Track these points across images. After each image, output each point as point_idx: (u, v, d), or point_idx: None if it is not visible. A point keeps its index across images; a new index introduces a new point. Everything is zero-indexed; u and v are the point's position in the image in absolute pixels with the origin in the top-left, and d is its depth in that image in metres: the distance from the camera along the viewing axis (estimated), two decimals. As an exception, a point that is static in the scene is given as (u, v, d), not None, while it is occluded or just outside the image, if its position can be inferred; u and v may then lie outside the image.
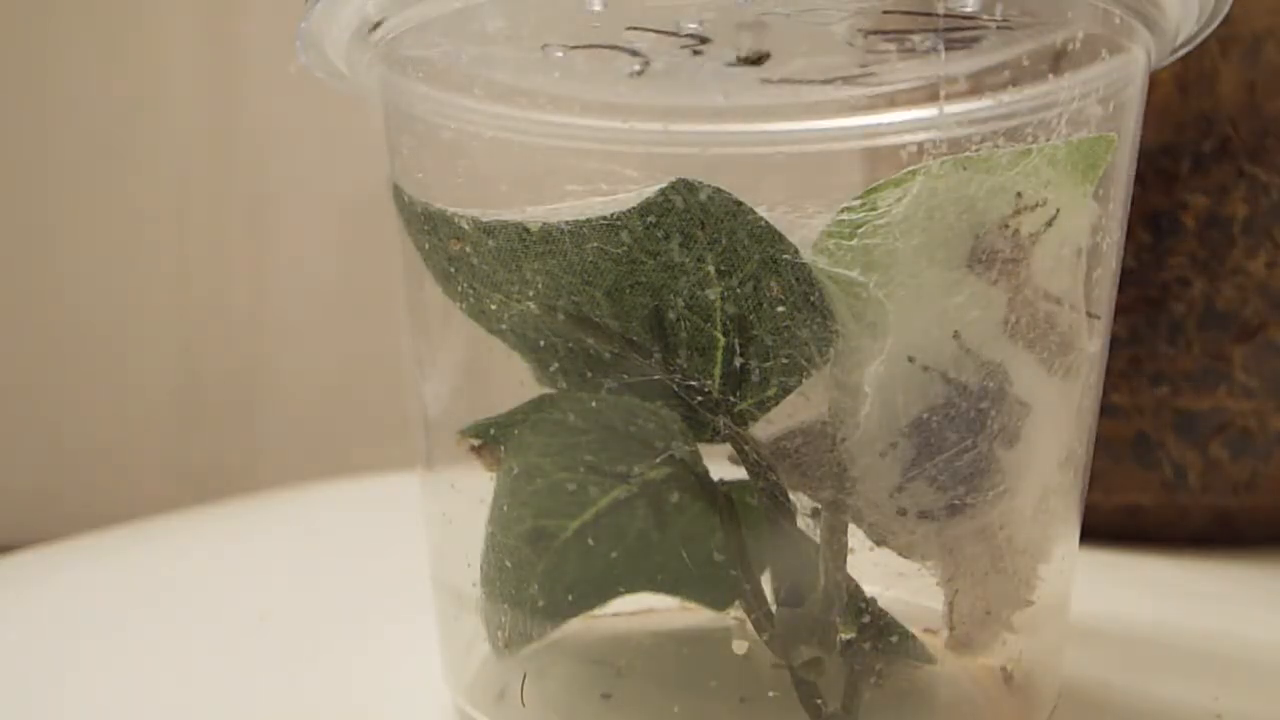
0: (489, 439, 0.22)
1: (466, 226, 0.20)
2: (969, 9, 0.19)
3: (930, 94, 0.25)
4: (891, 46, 0.23)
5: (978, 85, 0.24)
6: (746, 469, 0.21)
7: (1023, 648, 0.21)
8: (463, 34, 0.22)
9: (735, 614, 0.23)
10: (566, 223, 0.19)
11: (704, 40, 0.22)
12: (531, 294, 0.20)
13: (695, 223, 0.18)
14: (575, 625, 0.24)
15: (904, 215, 0.18)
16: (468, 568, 0.22)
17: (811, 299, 0.19)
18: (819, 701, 0.20)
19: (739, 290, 0.19)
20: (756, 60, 0.22)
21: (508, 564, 0.22)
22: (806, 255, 0.19)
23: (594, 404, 0.21)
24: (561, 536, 0.22)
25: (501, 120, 0.25)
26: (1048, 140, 0.19)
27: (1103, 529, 0.41)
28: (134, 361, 0.90)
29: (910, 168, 0.18)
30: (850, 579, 0.20)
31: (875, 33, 0.22)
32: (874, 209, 0.18)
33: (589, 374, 0.21)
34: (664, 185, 0.18)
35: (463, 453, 0.22)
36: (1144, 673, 0.26)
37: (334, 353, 0.90)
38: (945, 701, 0.22)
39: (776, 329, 0.19)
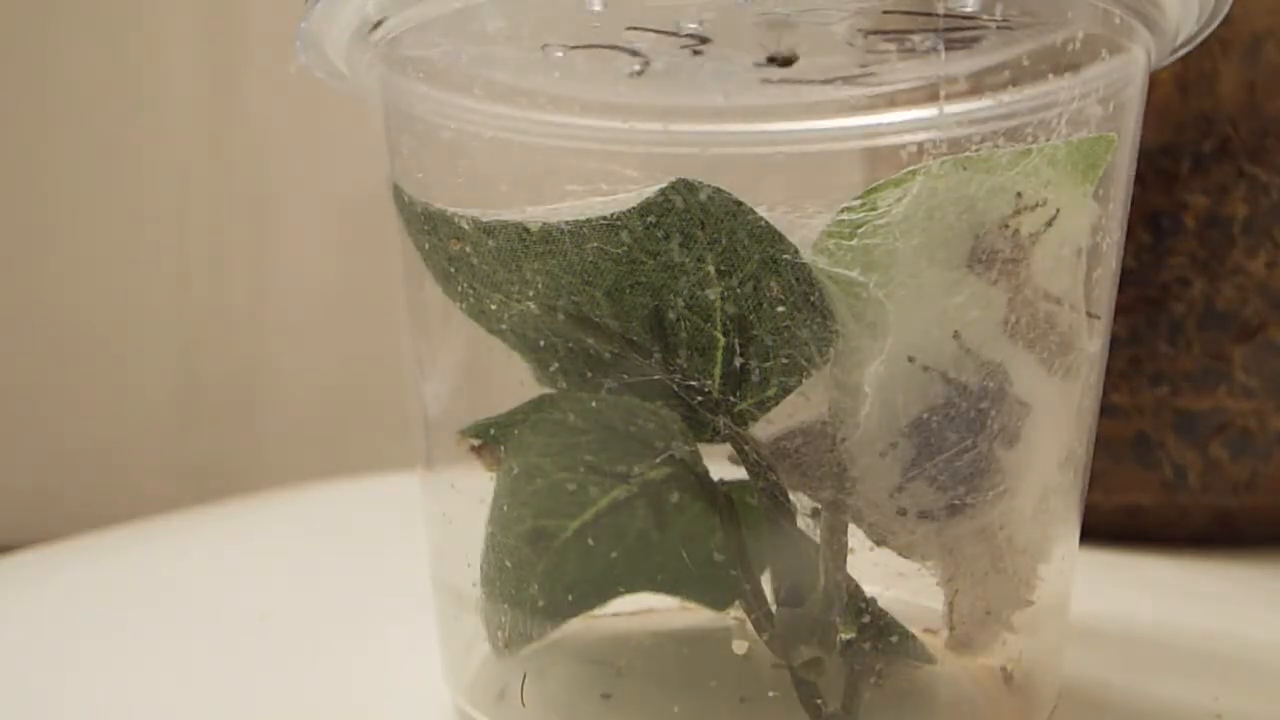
0: (489, 439, 0.22)
1: (466, 226, 0.20)
2: (969, 9, 0.19)
3: (930, 94, 0.25)
4: (891, 46, 0.23)
5: (978, 85, 0.24)
6: (746, 469, 0.21)
7: (1023, 648, 0.21)
8: (463, 34, 0.22)
9: (735, 614, 0.23)
10: (566, 223, 0.19)
11: (704, 40, 0.22)
12: (531, 294, 0.20)
13: (695, 223, 0.18)
14: (575, 625, 0.24)
15: (904, 215, 0.18)
16: (468, 568, 0.22)
17: (811, 299, 0.19)
18: (819, 701, 0.20)
19: (739, 290, 0.19)
20: (786, 61, 0.22)
21: (508, 564, 0.22)
22: (806, 255, 0.19)
23: (594, 404, 0.21)
24: (561, 536, 0.22)
25: (501, 120, 0.25)
26: (1048, 140, 0.19)
27: (1103, 529, 0.41)
28: (134, 361, 0.90)
29: (910, 168, 0.18)
30: (850, 579, 0.20)
31: (875, 33, 0.22)
32: (874, 209, 0.18)
33: (589, 374, 0.21)
34: (664, 185, 0.18)
35: (463, 453, 0.22)
36: (1144, 673, 0.26)
37: (334, 353, 0.90)
38: (945, 701, 0.22)
39: (776, 329, 0.19)
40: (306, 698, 0.25)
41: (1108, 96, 0.21)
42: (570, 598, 0.23)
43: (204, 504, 0.53)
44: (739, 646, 0.22)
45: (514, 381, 0.22)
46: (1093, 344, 0.21)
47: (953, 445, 0.19)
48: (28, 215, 0.90)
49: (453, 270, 0.21)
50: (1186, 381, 0.40)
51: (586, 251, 0.19)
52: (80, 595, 0.35)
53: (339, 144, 0.86)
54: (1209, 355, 0.40)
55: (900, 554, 0.20)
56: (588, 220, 0.19)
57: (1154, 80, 0.29)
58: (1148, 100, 0.23)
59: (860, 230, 0.18)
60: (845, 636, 0.20)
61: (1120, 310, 0.37)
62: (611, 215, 0.19)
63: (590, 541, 0.23)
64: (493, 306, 0.21)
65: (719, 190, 0.18)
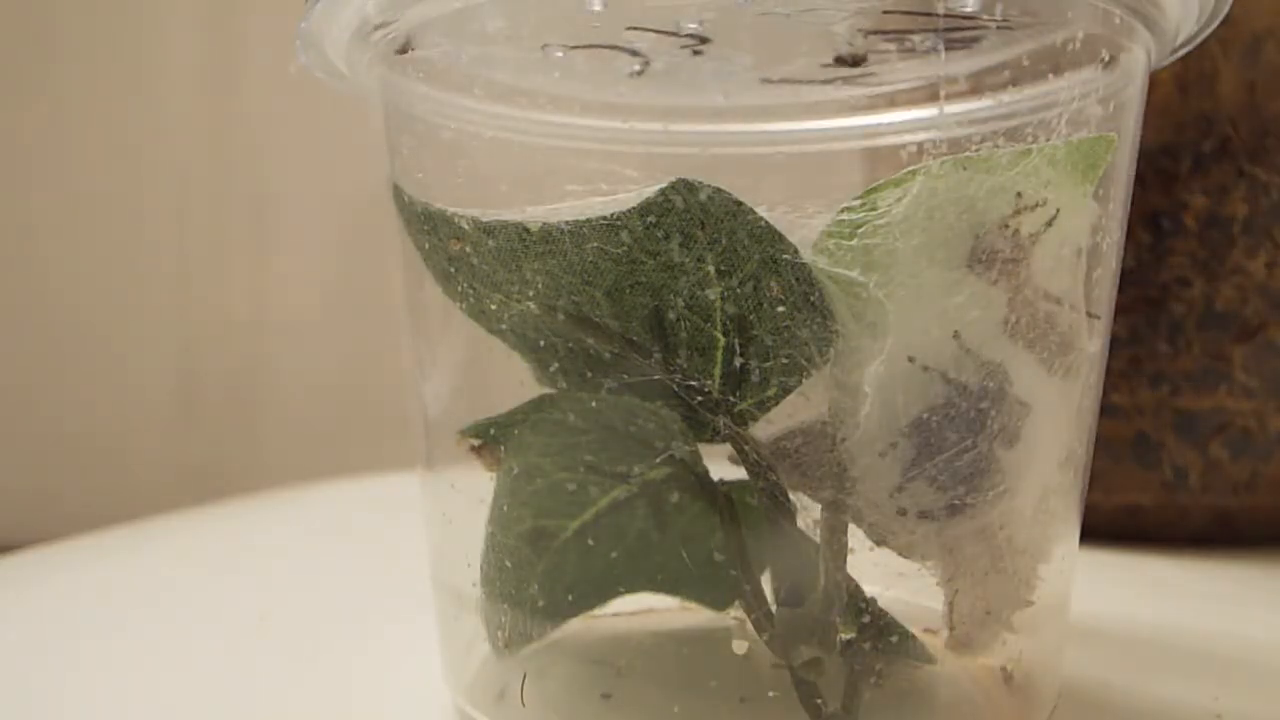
0: (489, 439, 0.22)
1: (466, 226, 0.20)
2: (969, 9, 0.19)
3: (930, 94, 0.25)
4: (891, 46, 0.23)
5: (978, 85, 0.24)
6: (746, 469, 0.21)
7: (1023, 648, 0.21)
8: (463, 34, 0.22)
9: (735, 614, 0.23)
10: (566, 223, 0.19)
11: (704, 40, 0.22)
12: (531, 294, 0.20)
13: (695, 223, 0.18)
14: (575, 625, 0.24)
15: (904, 215, 0.18)
16: (468, 568, 0.22)
17: (811, 299, 0.19)
18: (819, 701, 0.20)
19: (739, 290, 0.19)
20: (856, 61, 0.22)
21: (508, 564, 0.22)
22: (806, 255, 0.19)
23: (594, 404, 0.21)
24: (561, 536, 0.22)
25: (501, 120, 0.25)
26: (1048, 140, 0.19)
27: (1103, 529, 0.41)
28: (134, 361, 0.90)
29: (910, 168, 0.18)
30: (850, 579, 0.20)
31: (875, 33, 0.22)
32: (874, 209, 0.18)
33: (589, 374, 0.21)
34: (664, 185, 0.18)
35: (463, 453, 0.22)
36: (1144, 673, 0.26)
37: (334, 353, 0.90)
38: (945, 701, 0.22)
39: (776, 329, 0.19)
40: (306, 698, 0.25)
41: (1108, 96, 0.21)
42: (570, 598, 0.23)
43: (204, 504, 0.53)
44: (739, 646, 0.22)
45: (514, 381, 0.22)
46: (1093, 344, 0.21)
47: (953, 445, 0.19)
48: (28, 215, 0.90)
49: (453, 270, 0.21)
50: (1186, 381, 0.40)
51: (586, 251, 0.19)
52: (80, 595, 0.35)
53: (339, 144, 0.86)
54: (1209, 355, 0.40)
55: (900, 554, 0.20)
56: (588, 220, 0.19)
57: (1154, 80, 0.29)
58: (1148, 100, 0.23)
59: (860, 230, 0.18)
60: (845, 636, 0.20)
61: (1120, 310, 0.37)
62: (611, 215, 0.19)
63: (590, 541, 0.23)
64: (493, 306, 0.21)
65: (719, 190, 0.18)
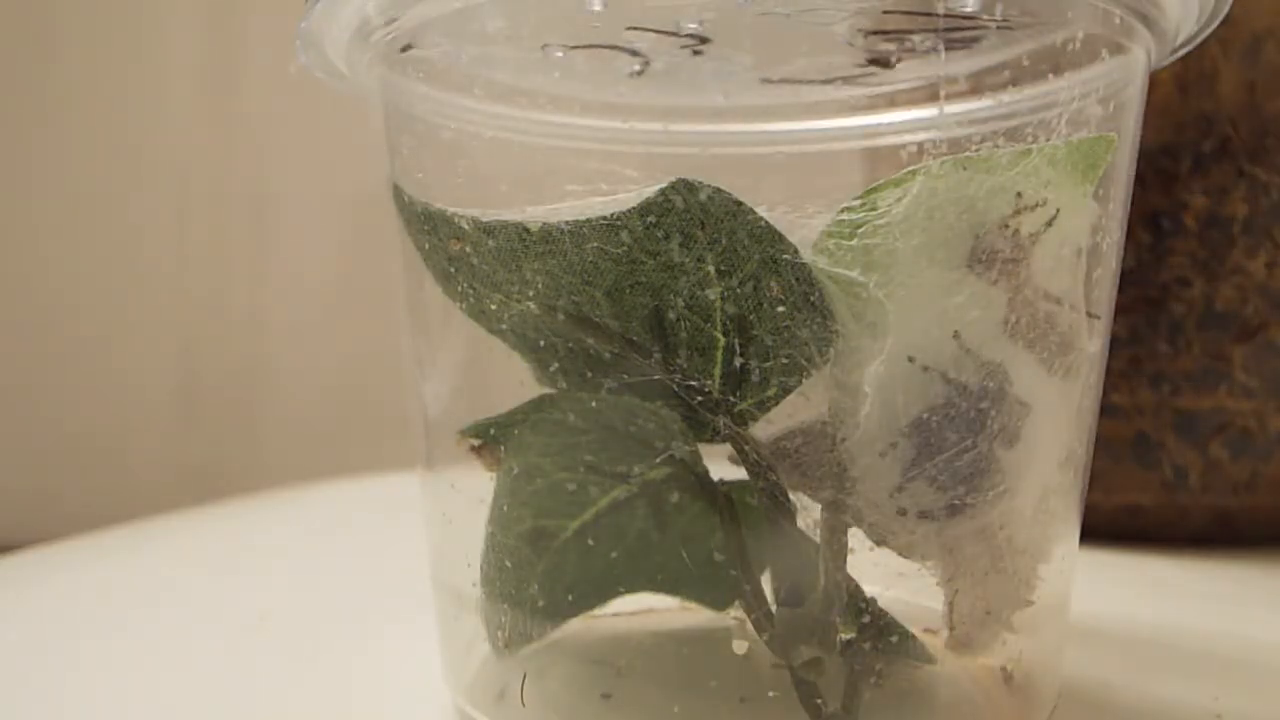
0: (489, 439, 0.22)
1: (466, 226, 0.20)
2: (969, 9, 0.19)
3: (930, 94, 0.25)
4: (891, 46, 0.23)
5: (978, 85, 0.24)
6: (746, 469, 0.21)
7: (1023, 648, 0.21)
8: (463, 34, 0.22)
9: (735, 614, 0.23)
10: (566, 223, 0.19)
11: (704, 40, 0.22)
12: (531, 294, 0.20)
13: (695, 223, 0.18)
14: (575, 625, 0.24)
15: (904, 215, 0.18)
16: (468, 568, 0.22)
17: (811, 299, 0.19)
18: (819, 701, 0.20)
19: (739, 290, 0.19)
20: (886, 63, 0.22)
21: (508, 564, 0.22)
22: (806, 255, 0.19)
23: (594, 404, 0.21)
24: (561, 536, 0.22)
25: (501, 120, 0.25)
26: (1048, 140, 0.19)
27: (1103, 529, 0.41)
28: (134, 361, 0.90)
29: (910, 168, 0.18)
30: (850, 579, 0.20)
31: (875, 33, 0.22)
32: (874, 209, 0.18)
33: (589, 374, 0.21)
34: (664, 185, 0.18)
35: (463, 453, 0.22)
36: (1144, 673, 0.26)
37: (334, 353, 0.90)
38: (945, 701, 0.22)
39: (776, 329, 0.19)
40: (306, 697, 0.25)
41: (1108, 96, 0.21)
42: (570, 598, 0.23)
43: (204, 504, 0.53)
44: (739, 646, 0.22)
45: (514, 381, 0.22)
46: (1093, 344, 0.21)
47: (953, 445, 0.19)
48: (28, 215, 0.90)
49: (453, 270, 0.21)
50: (1186, 381, 0.40)
51: (586, 251, 0.19)
52: (80, 595, 0.35)
53: (339, 144, 0.86)
54: (1209, 355, 0.40)
55: (900, 554, 0.20)
56: (588, 220, 0.19)
57: (1154, 80, 0.29)
58: (1148, 100, 0.23)
59: (860, 230, 0.18)
60: (845, 636, 0.20)
61: (1120, 310, 0.37)
62: (611, 215, 0.19)
63: (590, 541, 0.23)
64: (493, 306, 0.21)
65: (719, 190, 0.18)
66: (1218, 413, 0.40)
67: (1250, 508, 0.40)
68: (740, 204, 0.19)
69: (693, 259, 0.19)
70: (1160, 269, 0.40)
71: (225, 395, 0.90)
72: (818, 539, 0.20)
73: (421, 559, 0.25)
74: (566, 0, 0.21)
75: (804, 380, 0.20)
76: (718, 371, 0.20)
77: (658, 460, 0.21)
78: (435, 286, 0.22)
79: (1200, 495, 0.40)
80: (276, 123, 0.90)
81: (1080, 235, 0.20)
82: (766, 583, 0.21)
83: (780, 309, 0.19)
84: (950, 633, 0.21)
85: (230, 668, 0.27)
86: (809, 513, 0.20)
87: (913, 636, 0.21)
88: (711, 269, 0.19)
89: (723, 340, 0.19)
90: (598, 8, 0.20)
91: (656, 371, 0.20)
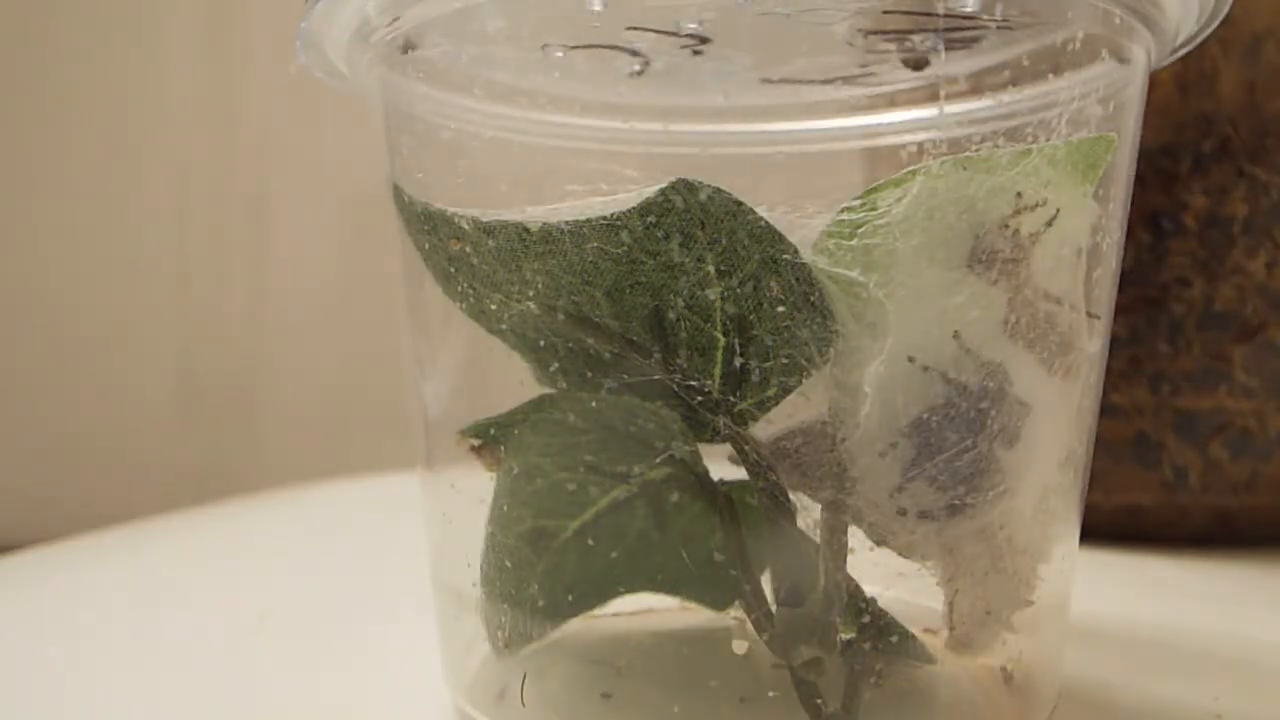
0: (489, 439, 0.22)
1: (466, 226, 0.20)
2: (969, 9, 0.19)
3: (930, 94, 0.25)
4: (891, 46, 0.23)
5: (978, 85, 0.24)
6: (746, 469, 0.21)
7: (1023, 648, 0.21)
8: (463, 34, 0.22)
9: (735, 614, 0.23)
10: (566, 223, 0.19)
11: (704, 40, 0.22)
12: (531, 294, 0.20)
13: (695, 223, 0.18)
14: (575, 625, 0.24)
15: (904, 215, 0.18)
16: (468, 568, 0.22)
17: (811, 299, 0.19)
18: (819, 701, 0.20)
19: (739, 290, 0.19)
20: (919, 65, 0.22)
21: (508, 564, 0.22)
22: (806, 255, 0.19)
23: (594, 404, 0.21)
24: (561, 536, 0.22)
25: (501, 120, 0.25)
26: (1048, 140, 0.19)
27: (1103, 529, 0.41)
28: (134, 361, 0.90)
29: (910, 168, 0.18)
30: (850, 579, 0.20)
31: (875, 33, 0.22)
32: (874, 209, 0.18)
33: (589, 374, 0.21)
34: (664, 185, 0.18)
35: (463, 453, 0.22)
36: (1144, 673, 0.26)
37: (334, 353, 0.90)
38: (945, 701, 0.22)
39: (776, 329, 0.19)
40: (306, 697, 0.25)
41: (1108, 96, 0.21)
42: (570, 598, 0.23)
43: (204, 504, 0.53)
44: (739, 646, 0.22)
45: (514, 381, 0.22)
46: (1093, 344, 0.21)
47: (953, 445, 0.19)
48: (28, 215, 0.90)
49: (453, 270, 0.21)
50: (1186, 381, 0.40)
51: (586, 251, 0.19)
52: (80, 595, 0.35)
53: (339, 144, 0.86)
54: (1209, 355, 0.40)
55: (900, 554, 0.20)
56: (588, 220, 0.19)
57: (1154, 80, 0.29)
58: (1148, 100, 0.23)
59: (860, 230, 0.18)
60: (845, 636, 0.20)
61: (1120, 310, 0.37)
62: (611, 215, 0.19)
63: (590, 541, 0.23)
64: (493, 306, 0.21)
65: (719, 190, 0.18)
66: (1218, 413, 0.40)
67: (1250, 508, 0.40)
68: (740, 204, 0.19)
69: (693, 259, 0.19)
70: (1160, 269, 0.40)
71: (225, 395, 0.90)
72: (818, 539, 0.20)
73: (421, 559, 0.25)
74: (566, 0, 0.21)
75: (804, 380, 0.20)
76: (718, 371, 0.20)
77: (658, 460, 0.21)
78: (435, 286, 0.22)
79: (1200, 495, 0.40)
80: (276, 123, 0.90)
81: (1080, 235, 0.20)
82: (766, 583, 0.21)
83: (780, 309, 0.19)
84: (950, 633, 0.21)
85: (230, 668, 0.27)
86: (809, 513, 0.20)
87: (913, 636, 0.21)
88: (711, 269, 0.19)
89: (723, 340, 0.19)
90: (598, 8, 0.20)
91: (656, 371, 0.20)
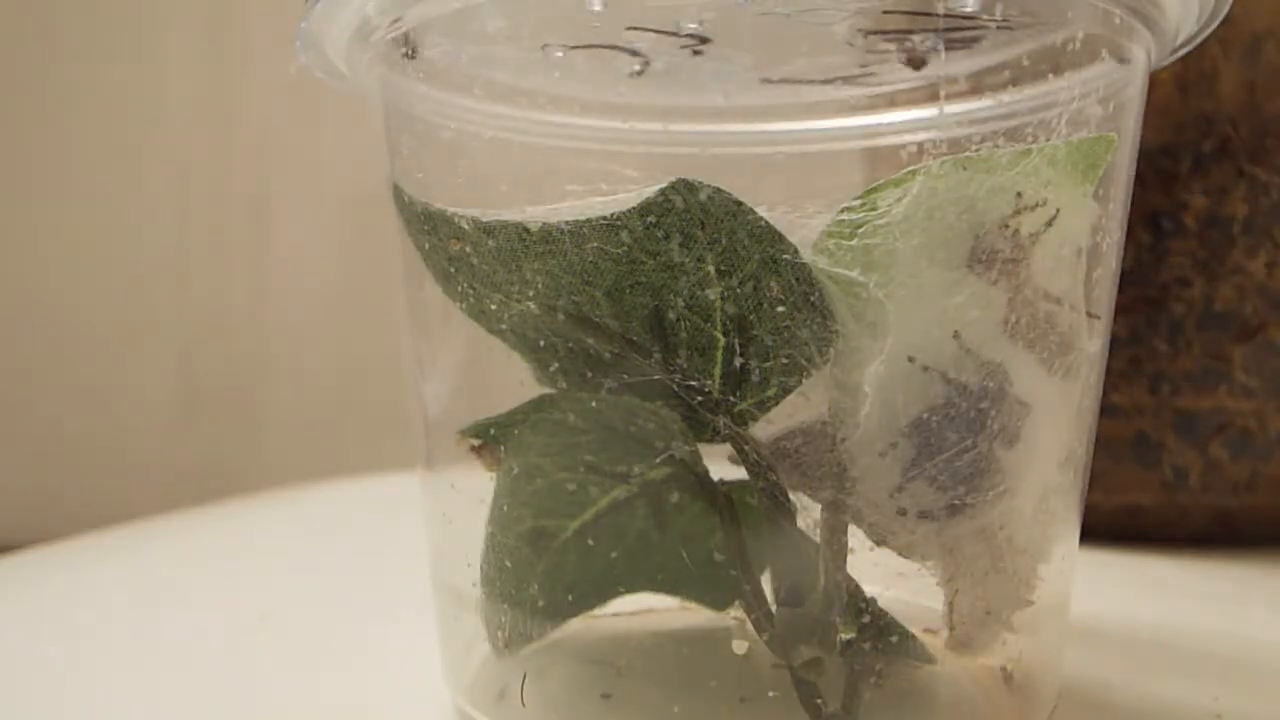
0: (489, 439, 0.22)
1: (466, 226, 0.20)
2: (969, 9, 0.19)
3: (930, 94, 0.25)
4: (891, 46, 0.23)
5: (978, 85, 0.24)
6: (746, 469, 0.21)
7: (1023, 648, 0.21)
8: (463, 34, 0.22)
9: (735, 614, 0.23)
10: (566, 223, 0.19)
11: (704, 40, 0.22)
12: (531, 294, 0.20)
13: (695, 223, 0.18)
14: (575, 625, 0.24)
15: (904, 215, 0.18)
16: (468, 568, 0.22)
17: (811, 299, 0.19)
18: (819, 701, 0.20)
19: (739, 290, 0.19)
20: (918, 64, 0.22)
21: (508, 564, 0.22)
22: (806, 255, 0.19)
23: (594, 404, 0.21)
24: (561, 536, 0.22)
25: (501, 120, 0.25)
26: (1048, 140, 0.19)
27: (1103, 529, 0.41)
28: (134, 361, 0.90)
29: (910, 168, 0.18)
30: (850, 579, 0.20)
31: (875, 33, 0.22)
32: (874, 209, 0.18)
33: (589, 374, 0.21)
34: (664, 185, 0.18)
35: (463, 453, 0.22)
36: (1144, 673, 0.26)
37: (334, 353, 0.90)
38: (945, 701, 0.22)
39: (776, 329, 0.19)
40: (306, 697, 0.25)
41: (1108, 96, 0.21)
42: (570, 598, 0.23)
43: (204, 504, 0.53)
44: (739, 646, 0.22)
45: (514, 381, 0.22)
46: (1093, 344, 0.21)
47: (953, 445, 0.19)
48: (28, 215, 0.90)
49: (453, 270, 0.21)
50: (1186, 381, 0.40)
51: (586, 251, 0.19)
52: (80, 595, 0.35)
53: (339, 144, 0.86)
54: (1209, 355, 0.40)
55: (900, 554, 0.20)
56: (588, 220, 0.19)
57: (1154, 80, 0.29)
58: (1148, 100, 0.23)
59: (860, 230, 0.18)
60: (845, 636, 0.20)
61: (1120, 310, 0.37)
62: (611, 215, 0.19)
63: (590, 541, 0.23)
64: (493, 306, 0.21)
65: (719, 190, 0.18)
66: (1218, 413, 0.40)
67: (1250, 508, 0.40)
68: (740, 204, 0.19)
69: (693, 259, 0.19)
70: (1160, 269, 0.40)
71: (225, 395, 0.90)
72: (818, 539, 0.20)
73: (421, 559, 0.25)
74: (566, 0, 0.21)
75: (804, 380, 0.20)
76: (718, 371, 0.20)
77: (658, 460, 0.21)
78: (435, 286, 0.22)
79: (1200, 495, 0.40)
80: (276, 123, 0.90)
81: (1080, 235, 0.20)
82: (766, 583, 0.21)
83: (780, 309, 0.19)
84: (950, 633, 0.21)
85: (230, 668, 0.27)
86: (809, 513, 0.20)
87: (913, 636, 0.21)
88: (711, 269, 0.19)
89: (723, 340, 0.19)
90: (598, 8, 0.20)
91: (656, 371, 0.20)
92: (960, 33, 0.22)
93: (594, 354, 0.21)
